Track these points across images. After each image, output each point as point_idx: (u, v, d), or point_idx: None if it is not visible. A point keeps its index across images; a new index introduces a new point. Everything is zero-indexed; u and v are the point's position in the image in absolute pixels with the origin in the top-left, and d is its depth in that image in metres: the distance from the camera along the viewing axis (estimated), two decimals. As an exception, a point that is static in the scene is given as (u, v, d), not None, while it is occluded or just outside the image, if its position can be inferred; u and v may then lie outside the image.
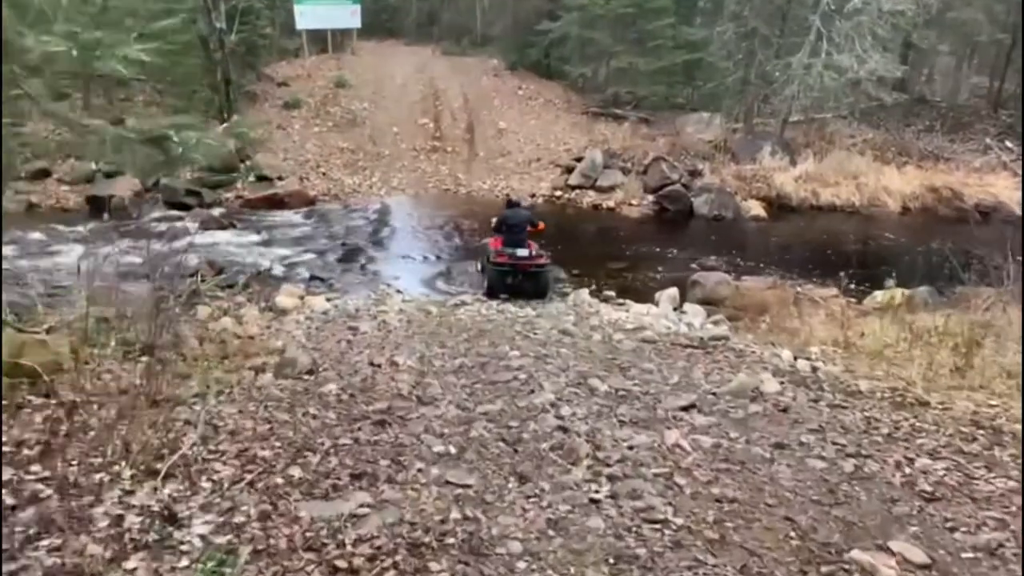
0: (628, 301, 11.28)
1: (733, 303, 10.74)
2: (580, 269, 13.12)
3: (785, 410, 4.97)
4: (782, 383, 5.67)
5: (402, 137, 20.52)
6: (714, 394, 5.40)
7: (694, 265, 13.60)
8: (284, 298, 10.06)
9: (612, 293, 11.76)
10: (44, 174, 17.07)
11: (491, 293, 10.38)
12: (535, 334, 8.08)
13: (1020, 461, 4.21)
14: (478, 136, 20.82)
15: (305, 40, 25.25)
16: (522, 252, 10.24)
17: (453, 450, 4.01)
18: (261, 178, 17.33)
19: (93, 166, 17.41)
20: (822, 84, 18.54)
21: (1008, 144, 22.32)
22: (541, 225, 10.82)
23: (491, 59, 27.02)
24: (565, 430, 4.36)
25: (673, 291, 11.43)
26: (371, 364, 5.92)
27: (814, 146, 20.69)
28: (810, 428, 4.65)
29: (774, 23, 21.10)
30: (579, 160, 18.96)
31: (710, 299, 11.12)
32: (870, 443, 4.44)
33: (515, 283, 10.28)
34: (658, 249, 14.65)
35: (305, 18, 24.78)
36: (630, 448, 4.11)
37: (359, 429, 4.21)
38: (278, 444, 3.93)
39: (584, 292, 11.54)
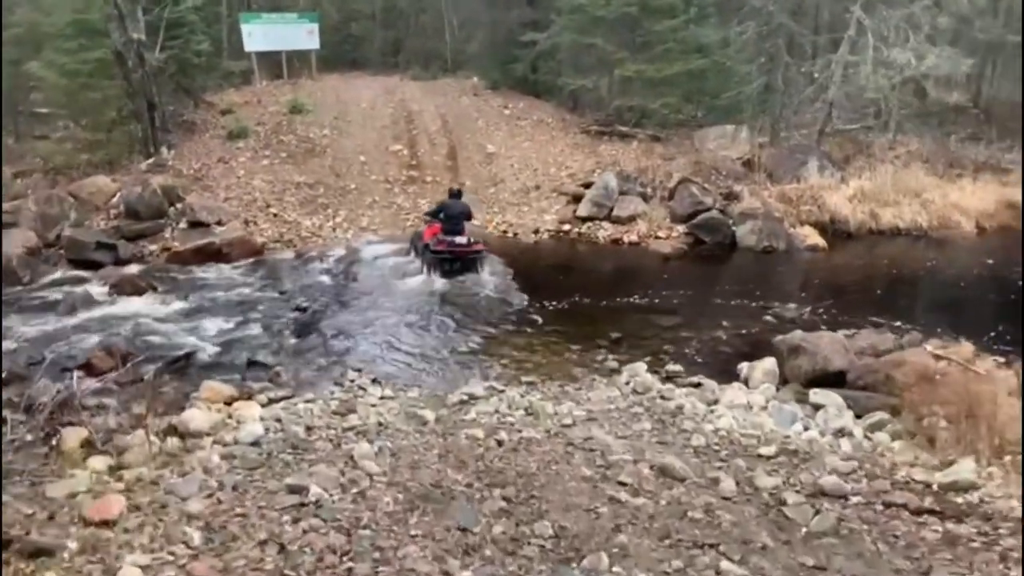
0: (704, 379, 7.90)
1: (872, 380, 7.29)
2: (617, 328, 9.63)
3: None
4: None
5: (371, 167, 16.98)
6: None
7: (769, 316, 10.23)
8: (197, 411, 6.50)
9: (678, 367, 8.34)
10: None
11: (429, 274, 11.36)
12: (620, 482, 4.60)
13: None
14: (462, 162, 17.37)
15: (256, 64, 21.79)
16: (461, 240, 11.11)
17: None
18: (194, 224, 13.64)
19: (-21, 217, 13.73)
20: (876, 85, 15.42)
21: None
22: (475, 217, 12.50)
23: (469, 79, 23.76)
24: None
25: (768, 363, 8.04)
26: None
27: (854, 160, 17.62)
28: None
29: (802, 20, 18.14)
30: (587, 186, 15.58)
31: (824, 375, 7.70)
32: None
33: (453, 269, 11.21)
34: (710, 295, 11.24)
35: (254, 39, 21.40)
36: None
37: None
38: None
39: (641, 367, 8.13)
